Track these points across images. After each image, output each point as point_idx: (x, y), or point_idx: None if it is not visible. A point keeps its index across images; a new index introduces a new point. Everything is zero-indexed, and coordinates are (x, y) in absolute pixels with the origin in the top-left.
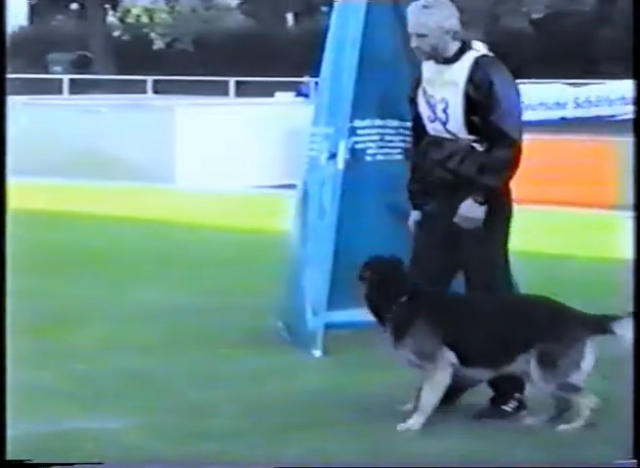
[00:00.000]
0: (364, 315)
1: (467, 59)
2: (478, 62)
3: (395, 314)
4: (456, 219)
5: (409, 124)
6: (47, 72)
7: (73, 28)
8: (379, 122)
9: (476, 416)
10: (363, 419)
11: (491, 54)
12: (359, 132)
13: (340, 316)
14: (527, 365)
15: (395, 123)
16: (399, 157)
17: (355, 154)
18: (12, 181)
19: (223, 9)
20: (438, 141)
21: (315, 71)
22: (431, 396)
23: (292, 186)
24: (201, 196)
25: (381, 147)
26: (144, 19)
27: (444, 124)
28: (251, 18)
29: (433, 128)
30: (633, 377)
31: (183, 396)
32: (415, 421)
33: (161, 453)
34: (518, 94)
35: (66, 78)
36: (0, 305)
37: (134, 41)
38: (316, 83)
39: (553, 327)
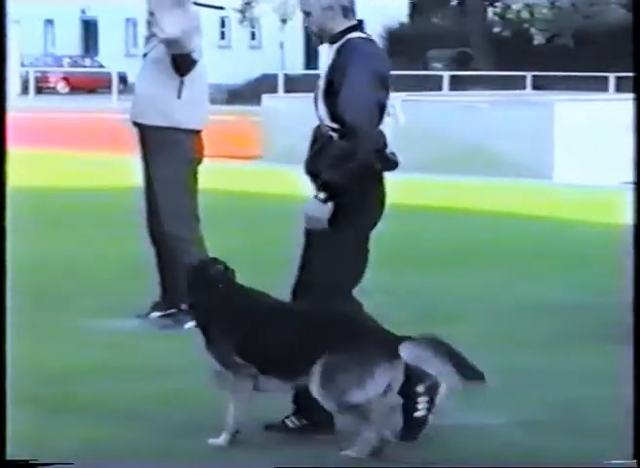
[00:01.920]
0: None
1: (341, 42)
2: (344, 45)
3: (196, 313)
4: (303, 219)
5: None
6: (427, 69)
7: (453, 25)
8: None
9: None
10: None
11: (371, 37)
12: None
13: None
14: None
15: None
16: None
17: None
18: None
19: (604, 3)
20: (314, 131)
21: None
22: (231, 409)
23: None
24: (577, 192)
25: None
26: (525, 15)
27: (316, 110)
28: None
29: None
30: (633, 377)
31: (562, 394)
32: (223, 438)
33: (535, 451)
34: (374, 82)
35: (446, 74)
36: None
37: (513, 37)
38: None
39: (343, 342)
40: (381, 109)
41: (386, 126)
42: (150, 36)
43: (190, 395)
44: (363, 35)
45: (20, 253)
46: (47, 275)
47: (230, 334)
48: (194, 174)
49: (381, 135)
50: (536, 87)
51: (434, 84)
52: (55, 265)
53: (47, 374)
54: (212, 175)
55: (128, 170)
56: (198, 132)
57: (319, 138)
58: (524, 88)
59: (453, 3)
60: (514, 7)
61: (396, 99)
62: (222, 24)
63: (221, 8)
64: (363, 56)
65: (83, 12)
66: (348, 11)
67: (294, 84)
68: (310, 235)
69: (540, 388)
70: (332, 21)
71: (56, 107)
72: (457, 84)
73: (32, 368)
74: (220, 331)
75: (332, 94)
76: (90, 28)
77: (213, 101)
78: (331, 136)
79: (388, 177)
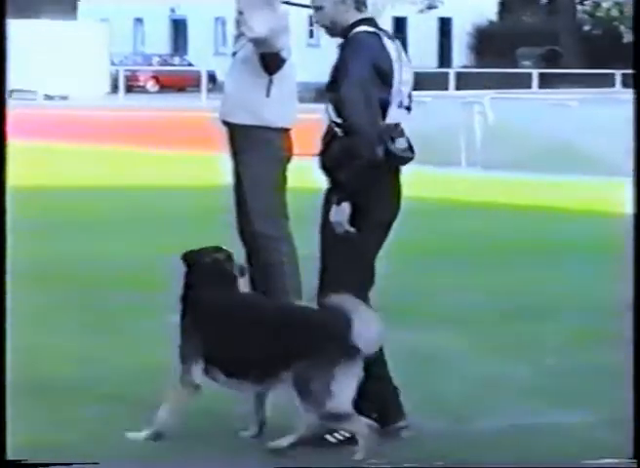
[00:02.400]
0: None
1: (348, 37)
2: (348, 40)
3: (185, 304)
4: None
5: None
6: (516, 66)
7: (543, 23)
8: None
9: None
10: None
11: (378, 30)
12: None
13: None
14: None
15: None
16: None
17: None
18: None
19: None
20: (326, 127)
21: None
22: (164, 406)
23: None
24: None
25: None
26: (614, 13)
27: (325, 106)
28: None
29: None
30: (633, 377)
31: None
32: (144, 433)
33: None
34: (373, 77)
35: (535, 72)
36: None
37: (603, 35)
38: None
39: (308, 345)
40: (384, 104)
41: (476, 123)
42: (239, 35)
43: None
44: (370, 29)
45: (124, 251)
46: (151, 273)
47: (199, 331)
48: (283, 172)
49: (389, 129)
50: (625, 84)
51: (523, 82)
52: (154, 263)
53: (138, 372)
54: (301, 173)
55: (217, 168)
56: (287, 130)
57: (327, 134)
58: (613, 85)
59: (543, 1)
60: (604, 5)
61: (485, 97)
62: (311, 23)
63: (310, 6)
64: (363, 50)
65: (172, 10)
66: (360, 3)
67: None
68: (327, 236)
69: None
70: (345, 15)
71: (145, 106)
72: (546, 82)
73: (123, 366)
74: (194, 324)
75: (335, 90)
76: (179, 27)
77: (301, 100)
78: (336, 133)
79: (483, 176)
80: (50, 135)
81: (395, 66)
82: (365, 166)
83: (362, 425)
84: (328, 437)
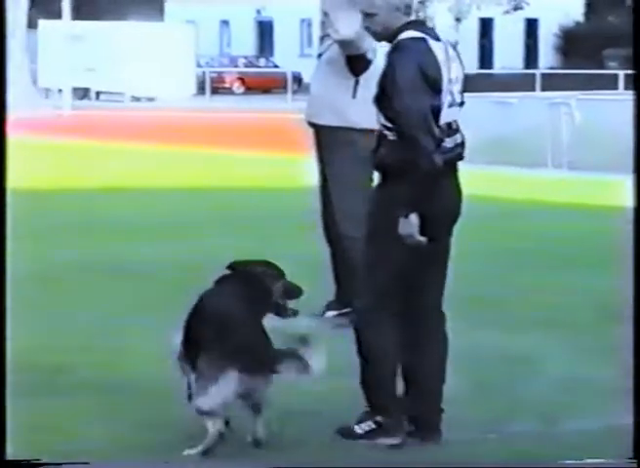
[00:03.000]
0: None
1: (393, 44)
2: (394, 47)
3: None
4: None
5: None
6: (602, 67)
7: (629, 24)
8: None
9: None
10: None
11: (424, 34)
12: None
13: None
14: None
15: None
16: None
17: None
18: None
19: None
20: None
21: None
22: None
23: None
24: None
25: None
26: None
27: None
28: None
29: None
30: (633, 377)
31: None
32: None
33: None
34: (423, 84)
35: (621, 73)
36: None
37: None
38: None
39: (208, 338)
40: (435, 109)
41: (562, 124)
42: (325, 36)
43: (348, 394)
44: (416, 34)
45: (195, 250)
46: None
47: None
48: (369, 173)
49: (442, 131)
50: None
51: (609, 83)
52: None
53: None
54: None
55: (303, 170)
56: (373, 131)
57: (378, 138)
58: None
59: (629, 2)
60: None
61: (572, 98)
62: None
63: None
64: (410, 58)
65: (258, 12)
66: (410, 8)
67: (468, 83)
68: (377, 241)
69: None
70: (397, 21)
71: (231, 107)
72: (632, 83)
73: None
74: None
75: (385, 99)
76: (265, 28)
77: None
78: (385, 135)
79: (570, 177)
80: (137, 136)
81: (443, 69)
82: (427, 176)
83: (214, 431)
84: (355, 428)
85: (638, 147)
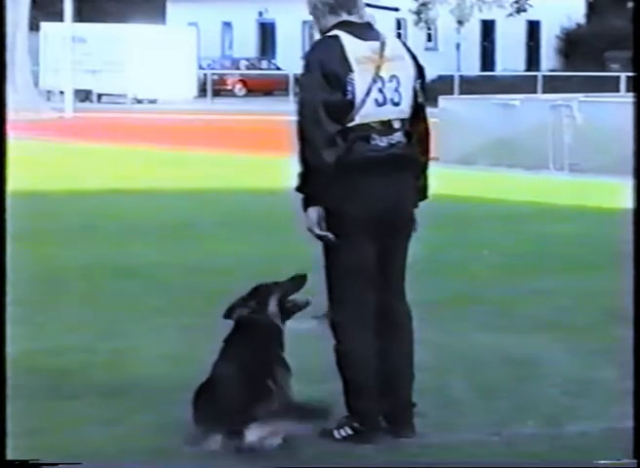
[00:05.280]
0: None
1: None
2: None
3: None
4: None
5: None
6: (604, 70)
7: (631, 26)
8: None
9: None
10: None
11: (340, 33)
12: None
13: None
14: None
15: None
16: None
17: None
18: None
19: None
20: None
21: None
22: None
23: None
24: None
25: None
26: None
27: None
28: None
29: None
30: (633, 377)
31: None
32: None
33: None
34: (321, 82)
35: (623, 75)
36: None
37: None
38: None
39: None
40: (336, 107)
41: (564, 126)
42: None
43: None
44: (333, 33)
45: (198, 252)
46: (224, 276)
47: None
48: None
49: (359, 129)
50: None
51: (611, 85)
52: (243, 266)
53: None
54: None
55: None
56: None
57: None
58: None
59: (630, 4)
60: None
61: (573, 100)
62: (398, 26)
63: (397, 9)
64: (312, 54)
65: (260, 14)
66: (335, 7)
67: (470, 85)
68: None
69: None
70: (328, 22)
71: (233, 109)
72: (633, 85)
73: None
74: None
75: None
76: (267, 31)
77: None
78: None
79: (571, 179)
80: (139, 138)
81: (359, 66)
82: (317, 171)
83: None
84: (334, 432)
85: (638, 150)
